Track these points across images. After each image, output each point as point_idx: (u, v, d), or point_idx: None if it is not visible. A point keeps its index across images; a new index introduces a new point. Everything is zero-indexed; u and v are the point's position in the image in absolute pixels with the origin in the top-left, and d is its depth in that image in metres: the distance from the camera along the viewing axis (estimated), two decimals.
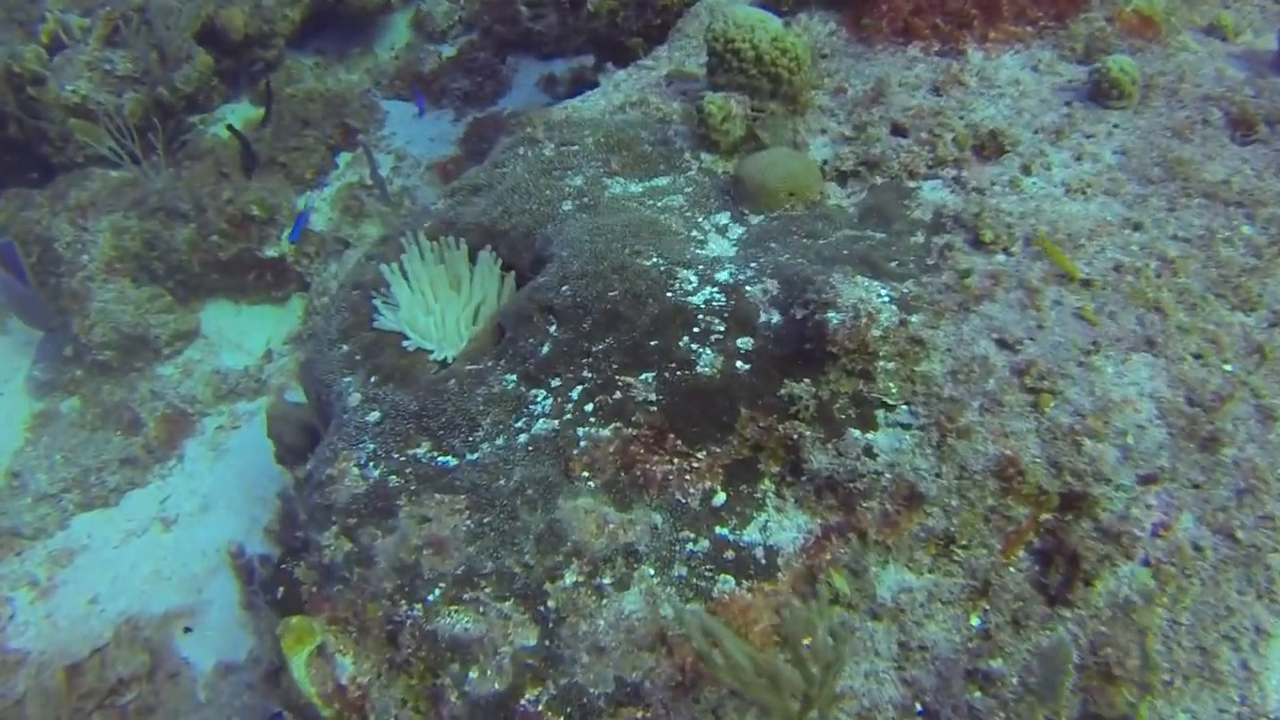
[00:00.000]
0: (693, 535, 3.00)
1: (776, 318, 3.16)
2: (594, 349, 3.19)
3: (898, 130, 3.76)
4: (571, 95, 7.15)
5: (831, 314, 2.96)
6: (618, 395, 3.15)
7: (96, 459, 5.76)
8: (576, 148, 3.96)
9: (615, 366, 3.17)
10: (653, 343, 3.16)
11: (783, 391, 3.08)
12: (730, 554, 2.98)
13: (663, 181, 3.82)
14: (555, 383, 3.21)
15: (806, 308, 3.07)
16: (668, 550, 2.95)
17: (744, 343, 3.15)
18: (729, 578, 2.95)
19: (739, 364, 3.12)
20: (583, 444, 3.11)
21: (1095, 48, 3.94)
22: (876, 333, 3.00)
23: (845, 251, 3.33)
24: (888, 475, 2.98)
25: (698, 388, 3.11)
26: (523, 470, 3.06)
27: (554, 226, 3.59)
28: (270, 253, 6.38)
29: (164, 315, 6.27)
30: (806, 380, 3.07)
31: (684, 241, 3.45)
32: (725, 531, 3.03)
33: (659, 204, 3.67)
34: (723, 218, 3.61)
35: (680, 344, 3.15)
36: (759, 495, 3.11)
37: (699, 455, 3.11)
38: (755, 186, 3.52)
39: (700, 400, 3.12)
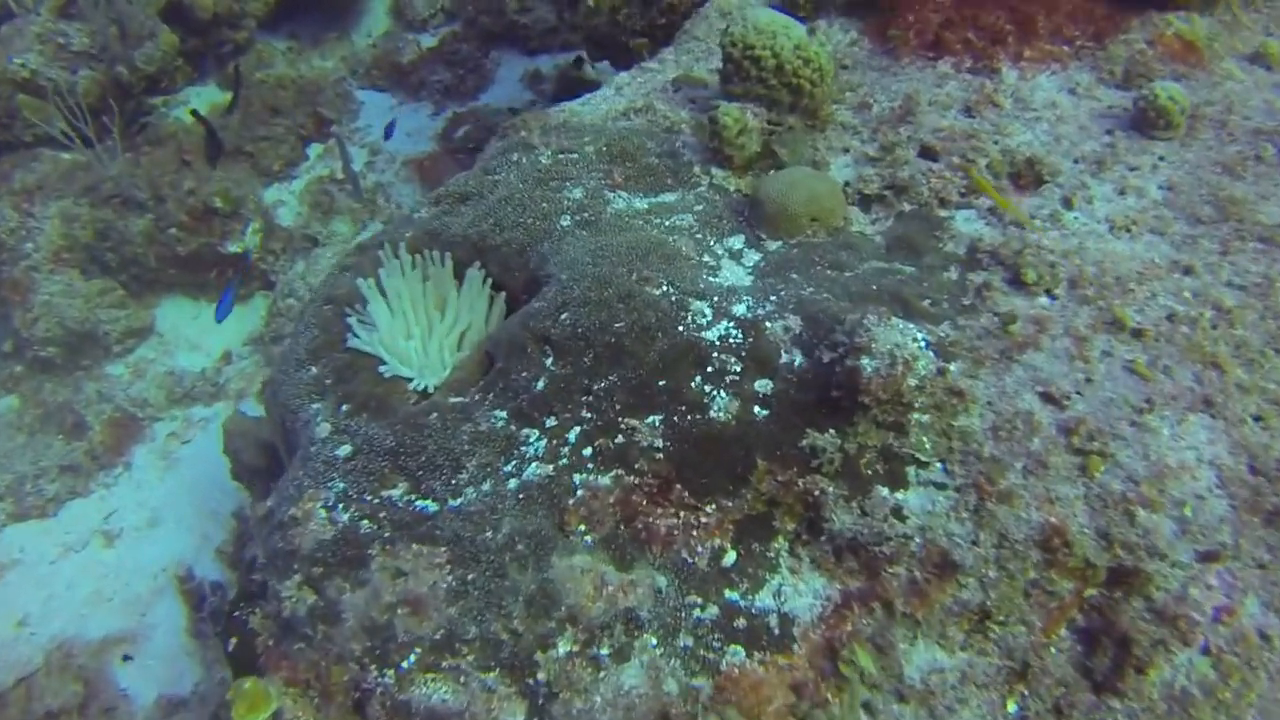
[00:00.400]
0: (700, 600, 2.69)
1: (800, 359, 2.85)
2: (595, 386, 2.86)
3: (927, 153, 3.46)
4: (559, 93, 6.81)
5: (865, 360, 2.66)
6: (620, 439, 2.83)
7: (34, 464, 5.33)
8: (576, 156, 3.62)
9: (618, 407, 2.84)
10: (661, 382, 2.84)
11: (804, 442, 2.77)
12: (741, 622, 2.68)
13: (670, 198, 3.49)
14: (550, 422, 2.88)
15: (835, 350, 2.77)
16: (672, 617, 2.64)
17: (763, 386, 2.83)
18: (739, 649, 2.64)
19: (757, 409, 2.81)
20: (580, 493, 2.78)
21: (1135, 72, 3.67)
22: (912, 382, 2.70)
23: (874, 286, 3.03)
24: (918, 539, 2.69)
25: (710, 435, 2.80)
26: (512, 521, 2.72)
27: (551, 244, 3.25)
28: (233, 248, 5.97)
29: (115, 311, 5.85)
30: (831, 431, 2.77)
31: (695, 267, 3.12)
32: (736, 596, 2.72)
33: (666, 223, 3.34)
34: (737, 241, 3.30)
35: (692, 385, 2.83)
36: (772, 555, 2.81)
37: (707, 509, 2.80)
38: (775, 209, 3.21)
39: (712, 449, 2.80)
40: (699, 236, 3.30)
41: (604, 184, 3.52)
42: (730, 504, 2.81)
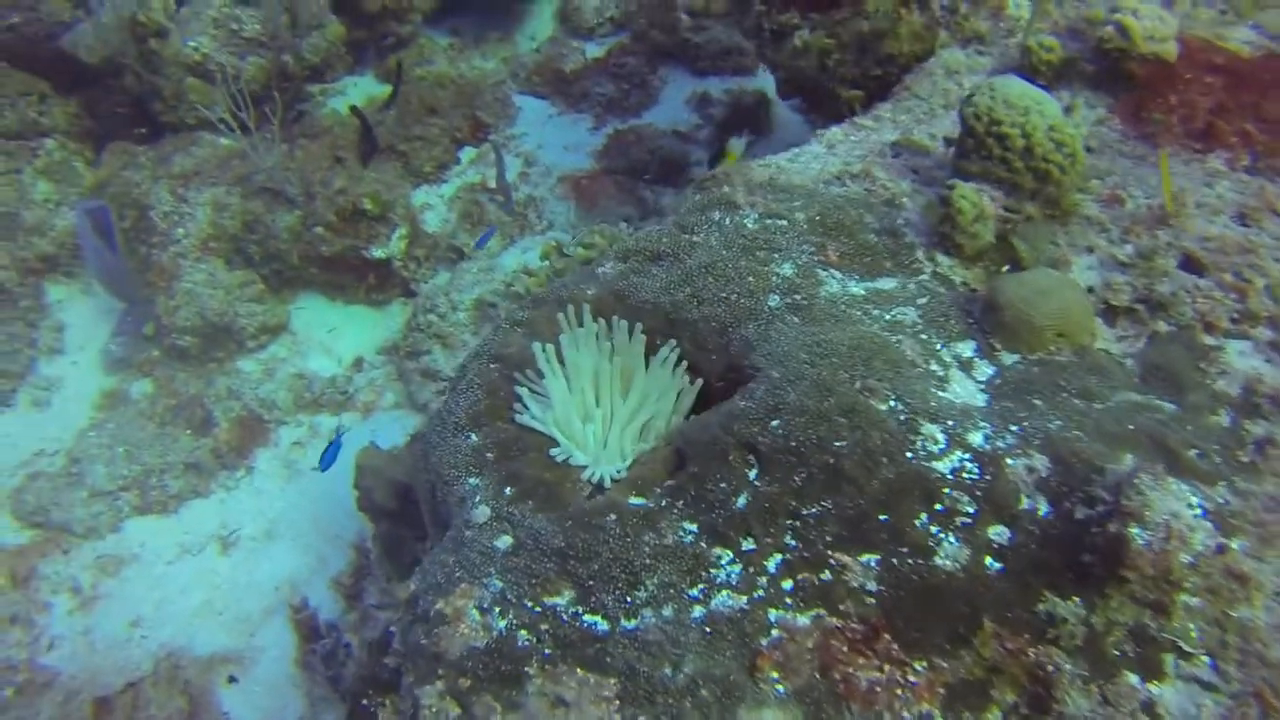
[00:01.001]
0: None
1: (1045, 508, 2.43)
2: (805, 512, 2.48)
3: (1192, 265, 2.98)
4: (728, 122, 6.44)
5: (1136, 530, 2.22)
6: (826, 576, 2.45)
7: (161, 458, 5.20)
8: (785, 223, 3.24)
9: (829, 539, 2.46)
10: (882, 517, 2.44)
11: (1042, 607, 2.35)
12: None
13: (889, 285, 3.09)
14: (748, 546, 2.51)
15: (1092, 508, 2.34)
16: None
17: (998, 534, 2.42)
18: None
19: (989, 561, 2.39)
20: (774, 633, 2.41)
21: None
22: (1185, 558, 2.25)
23: (1130, 427, 2.58)
24: None
25: (933, 585, 2.39)
26: (696, 660, 2.36)
27: (757, 328, 2.88)
28: (377, 253, 5.77)
29: (253, 305, 5.70)
30: (1077, 599, 2.33)
31: (923, 378, 2.72)
32: None
33: (887, 316, 2.94)
34: (966, 348, 2.88)
35: (917, 523, 2.43)
36: None
37: (917, 666, 2.40)
38: (1017, 319, 2.78)
39: (933, 601, 2.40)
40: (924, 338, 2.89)
41: (816, 260, 3.13)
42: (945, 665, 2.40)
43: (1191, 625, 2.31)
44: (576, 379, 2.86)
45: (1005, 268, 3.10)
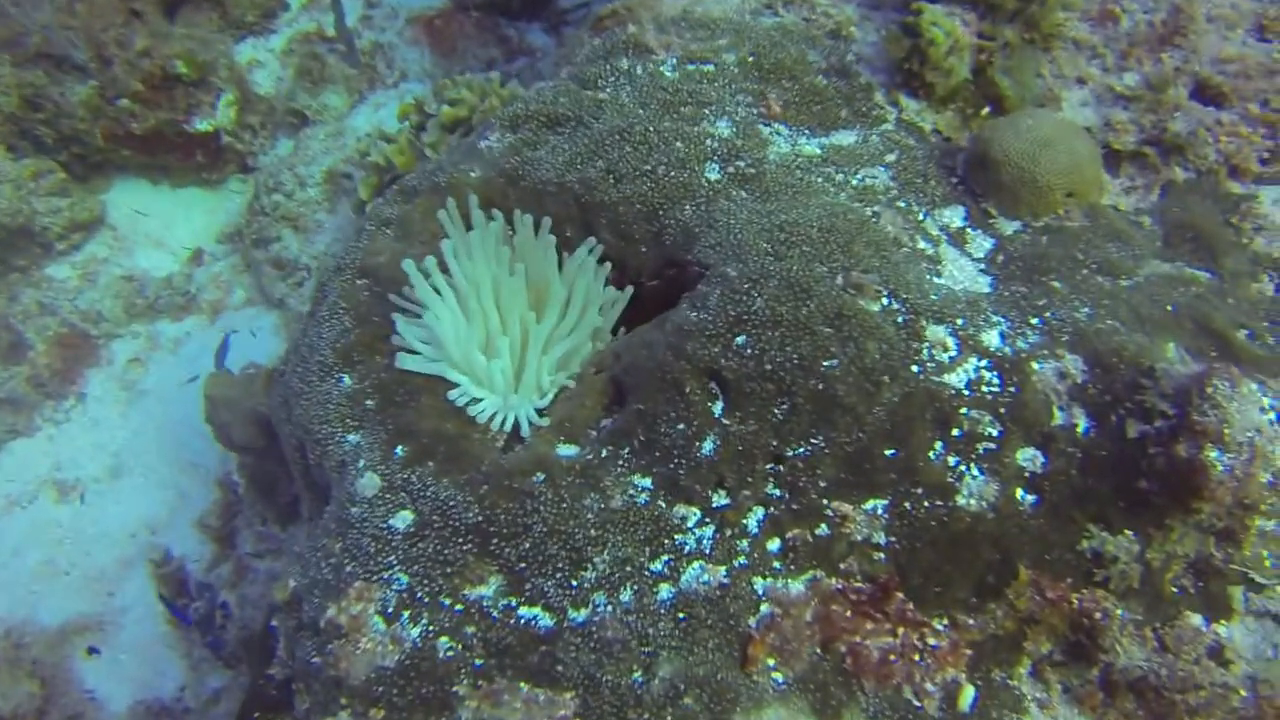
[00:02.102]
0: None
1: (1084, 423, 1.96)
2: (790, 453, 1.95)
3: (1207, 93, 2.47)
4: None
5: (1214, 454, 1.77)
6: (823, 530, 1.94)
7: None
8: (712, 68, 2.57)
9: (823, 485, 1.94)
10: (888, 452, 1.93)
11: (1086, 544, 1.91)
12: None
13: (848, 139, 2.49)
14: (720, 501, 1.98)
15: (1149, 422, 1.87)
16: None
17: (1029, 459, 1.95)
18: None
19: (1021, 494, 1.93)
20: (764, 609, 1.91)
21: None
22: (1265, 478, 1.83)
23: (1169, 308, 2.11)
24: (1245, 693, 1.89)
25: (956, 532, 1.92)
26: (672, 659, 1.86)
27: (696, 208, 2.26)
28: (202, 126, 4.80)
29: (55, 199, 4.71)
30: (1129, 532, 1.90)
31: (911, 261, 2.17)
32: None
33: (854, 181, 2.35)
34: (954, 216, 2.33)
35: (931, 456, 1.94)
36: (1017, 688, 1.99)
37: (936, 625, 1.96)
38: (1017, 178, 2.23)
39: (956, 549, 1.94)
40: (902, 205, 2.32)
41: (756, 113, 2.49)
42: (971, 621, 1.97)
43: (1266, 553, 1.92)
44: (471, 298, 2.19)
45: (985, 110, 2.53)
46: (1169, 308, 2.09)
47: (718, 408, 1.98)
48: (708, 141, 2.36)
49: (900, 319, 2.00)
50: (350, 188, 4.74)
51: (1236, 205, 2.33)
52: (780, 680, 1.91)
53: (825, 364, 1.93)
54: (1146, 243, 2.27)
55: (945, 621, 1.99)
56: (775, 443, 1.95)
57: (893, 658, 1.96)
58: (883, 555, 1.95)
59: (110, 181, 5.02)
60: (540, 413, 2.18)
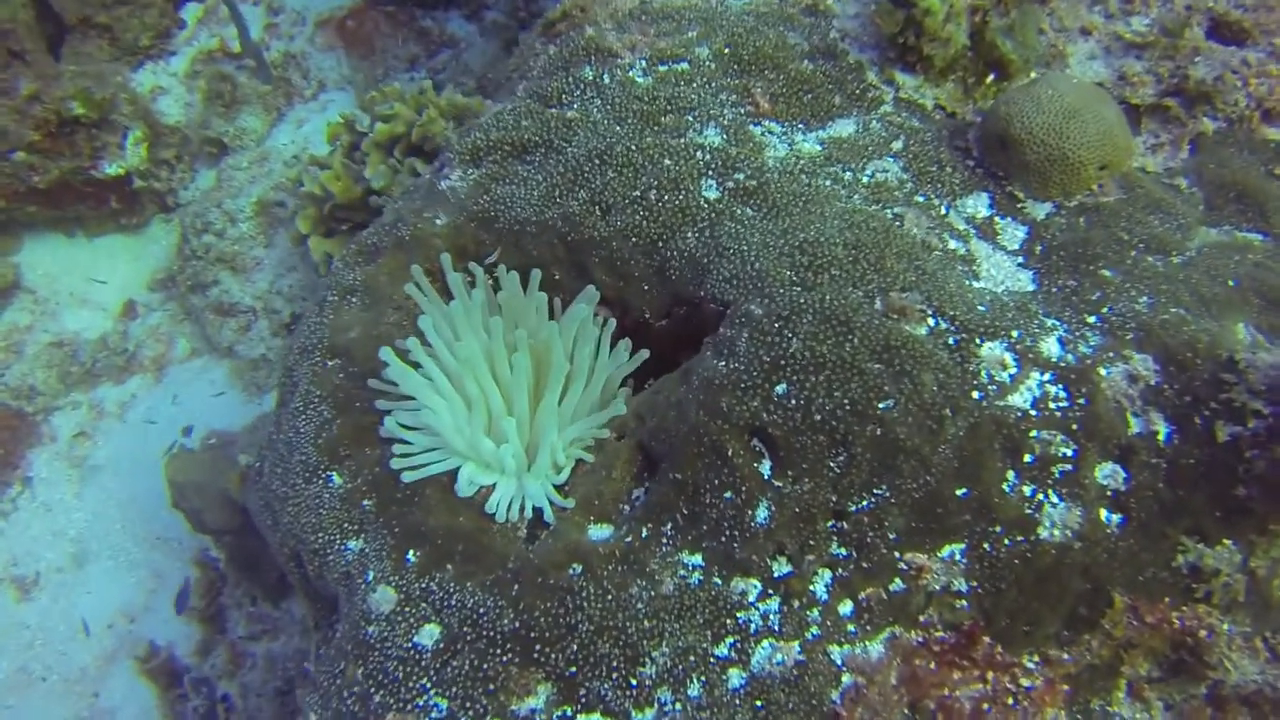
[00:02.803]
0: None
1: (1164, 429, 1.78)
2: (852, 508, 1.75)
3: (1226, 31, 2.28)
4: None
5: None
6: (897, 586, 1.75)
7: None
8: (686, 66, 2.32)
9: (893, 537, 1.75)
10: (960, 491, 1.74)
11: (1182, 559, 1.75)
12: None
13: (847, 129, 2.26)
14: (781, 569, 1.78)
15: (1240, 423, 1.70)
16: None
17: (1110, 476, 1.78)
18: None
19: (1105, 515, 1.76)
20: (845, 680, 1.73)
21: None
22: None
23: (1231, 281, 1.93)
24: None
25: (1042, 567, 1.74)
26: None
27: (699, 235, 2.02)
28: (111, 169, 4.42)
29: None
30: (1229, 541, 1.74)
31: (944, 265, 1.96)
32: None
33: (864, 179, 2.13)
34: (978, 204, 2.12)
35: (1005, 488, 1.75)
36: (1117, 714, 1.84)
37: (1027, 664, 1.79)
38: (1045, 156, 2.03)
39: (1043, 586, 1.76)
40: (921, 200, 2.11)
41: (744, 113, 2.25)
42: (1065, 656, 1.80)
43: None
44: (467, 379, 1.94)
45: (989, 77, 2.32)
46: (1230, 282, 1.92)
47: (765, 467, 1.77)
48: (698, 154, 2.12)
49: (952, 340, 1.80)
50: (284, 216, 4.41)
51: (1277, 153, 2.15)
52: None
53: (881, 406, 1.72)
54: (1189, 209, 2.08)
55: (1037, 659, 1.82)
56: (835, 498, 1.75)
57: (985, 706, 1.80)
58: (965, 602, 1.77)
59: (19, 242, 4.64)
60: (559, 489, 1.95)
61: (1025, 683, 1.81)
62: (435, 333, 1.93)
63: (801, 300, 1.82)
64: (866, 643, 1.77)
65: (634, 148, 2.13)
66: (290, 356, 2.17)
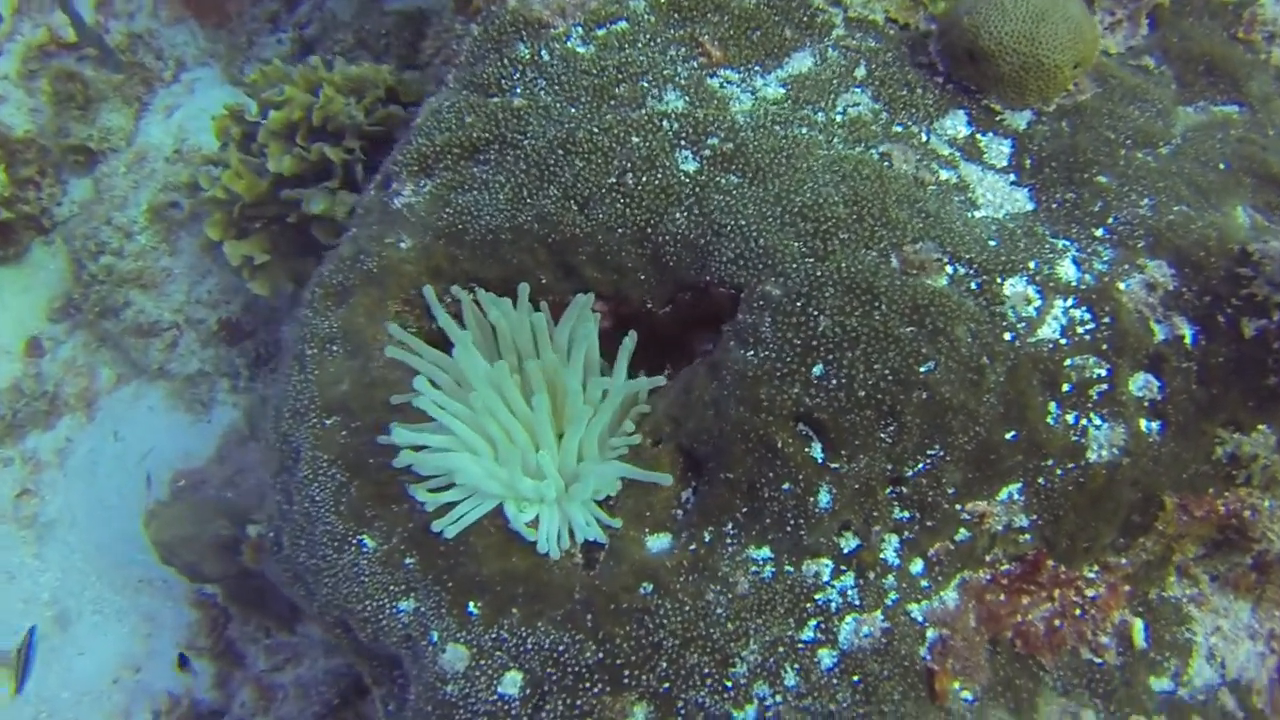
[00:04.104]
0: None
1: (1189, 332, 1.81)
2: (909, 472, 1.75)
3: None
4: None
5: None
6: (963, 535, 1.78)
7: None
8: (625, 25, 2.17)
9: (952, 491, 1.76)
10: (1009, 435, 1.76)
11: (1219, 451, 1.81)
12: None
13: (805, 63, 2.16)
14: (849, 544, 1.78)
15: (1265, 315, 1.74)
16: None
17: (1144, 387, 1.81)
18: None
19: (1145, 425, 1.80)
20: (930, 635, 1.77)
21: None
22: None
23: (1222, 164, 1.94)
24: None
25: (1096, 489, 1.79)
26: None
27: (688, 214, 1.93)
28: None
29: None
30: (1263, 426, 1.81)
31: (940, 199, 1.92)
32: (1169, 685, 1.88)
33: (838, 118, 2.05)
34: (956, 124, 2.07)
35: (1048, 423, 1.77)
36: (1174, 598, 1.95)
37: (1088, 574, 1.86)
38: (1020, 65, 1.97)
39: (1098, 503, 1.81)
40: (899, 130, 2.04)
41: (699, 68, 2.13)
42: (1123, 560, 1.88)
43: None
44: (489, 424, 1.85)
45: None
46: (1221, 166, 1.92)
47: (817, 451, 1.74)
48: (664, 124, 2.00)
49: (974, 284, 1.78)
50: (181, 218, 4.12)
51: (1238, 15, 2.13)
52: (970, 698, 1.79)
53: (922, 369, 1.70)
54: (1163, 91, 2.07)
55: (1096, 568, 1.89)
56: (891, 467, 1.74)
57: (1058, 623, 1.87)
58: (1028, 536, 1.81)
59: None
60: (601, 504, 1.90)
61: (1090, 593, 1.88)
62: (427, 382, 1.83)
63: (818, 273, 1.77)
64: (941, 593, 1.81)
65: (596, 130, 2.00)
66: (282, 421, 2.04)
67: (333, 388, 2.00)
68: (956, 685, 1.78)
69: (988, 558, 1.82)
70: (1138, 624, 1.90)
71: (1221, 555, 1.96)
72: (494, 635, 1.82)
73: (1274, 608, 1.97)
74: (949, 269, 1.78)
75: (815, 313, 1.74)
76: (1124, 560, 1.89)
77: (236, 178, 3.41)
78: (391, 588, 1.90)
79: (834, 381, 1.71)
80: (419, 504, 1.89)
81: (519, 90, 2.12)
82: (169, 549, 2.87)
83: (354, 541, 1.93)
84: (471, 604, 1.85)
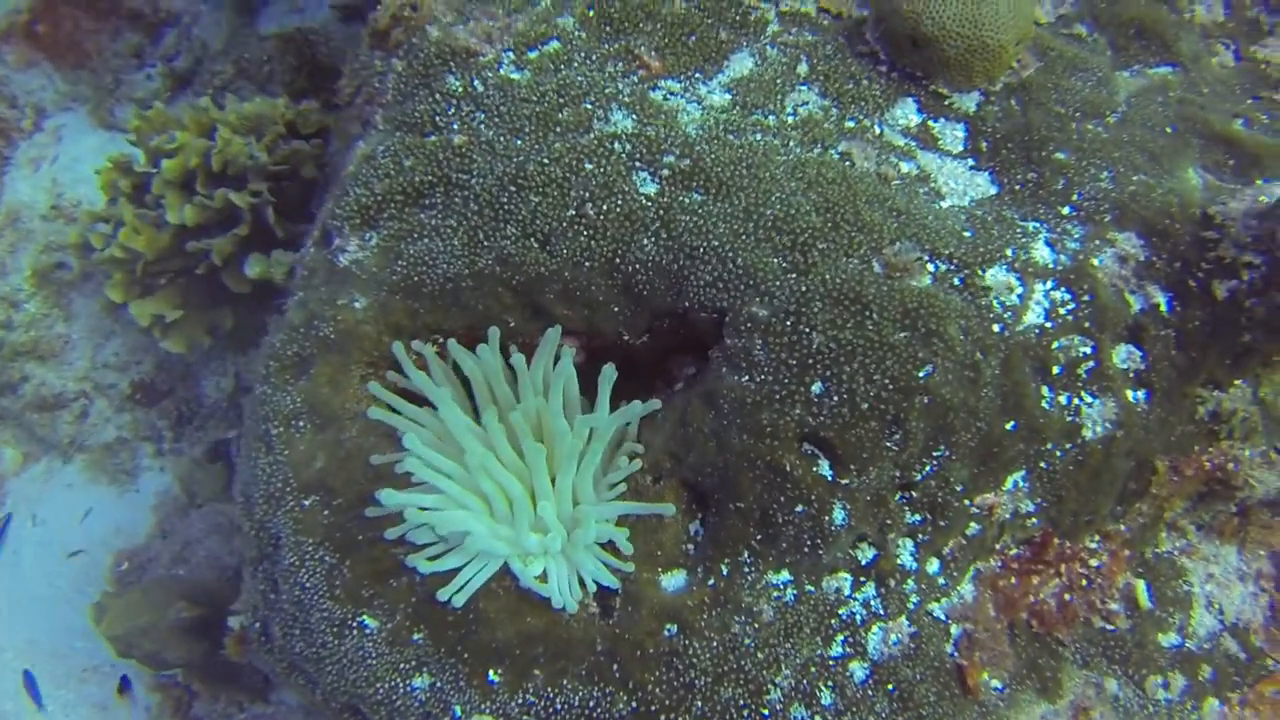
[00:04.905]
0: (1160, 678, 1.89)
1: (1164, 299, 1.85)
2: (917, 477, 1.75)
3: None
4: None
5: None
6: (974, 529, 1.80)
7: None
8: (557, 45, 2.08)
9: (960, 489, 1.77)
10: (1009, 425, 1.77)
11: (1202, 410, 1.87)
12: (1206, 671, 1.94)
13: (746, 65, 2.11)
14: (866, 555, 1.78)
15: (1234, 276, 1.78)
16: None
17: (1127, 357, 1.85)
18: (1213, 701, 1.92)
19: (1132, 395, 1.84)
20: (954, 631, 1.78)
21: None
22: None
23: (1169, 128, 1.97)
24: None
25: (1095, 465, 1.82)
26: None
27: (655, 240, 1.87)
28: None
29: None
30: (1239, 382, 1.87)
31: (906, 192, 1.91)
32: (1177, 640, 1.95)
33: (789, 118, 2.02)
34: (906, 112, 2.05)
35: (1044, 408, 1.79)
36: (1167, 552, 2.01)
37: (1091, 544, 1.91)
38: (965, 48, 1.96)
39: (1098, 478, 1.85)
40: (851, 125, 2.02)
41: (640, 82, 2.06)
42: (1121, 528, 1.92)
43: None
44: (484, 480, 1.77)
45: None
46: (1168, 129, 1.96)
47: (825, 469, 1.72)
48: (616, 146, 1.93)
49: (957, 280, 1.77)
50: (71, 279, 3.86)
51: None
52: (1000, 686, 1.81)
53: (921, 375, 1.69)
54: (1099, 58, 2.09)
55: (1098, 539, 1.93)
56: (899, 474, 1.74)
57: (1068, 596, 1.90)
58: (1035, 520, 1.83)
59: None
60: (606, 548, 1.85)
61: (1094, 563, 1.92)
62: (420, 448, 1.74)
63: (803, 288, 1.74)
64: (959, 588, 1.82)
65: (547, 160, 1.92)
66: (255, 508, 1.92)
67: (307, 466, 1.89)
68: (986, 676, 1.79)
69: (998, 546, 1.84)
70: (1141, 585, 1.95)
71: (1205, 506, 2.02)
72: (520, 701, 1.76)
73: (1258, 547, 2.05)
74: (930, 267, 1.77)
75: (807, 330, 1.71)
76: (1123, 527, 1.93)
77: (135, 234, 3.20)
78: (402, 666, 1.82)
79: (835, 398, 1.69)
80: (419, 575, 1.80)
81: (456, 126, 2.01)
82: (126, 642, 2.69)
83: (355, 624, 1.84)
84: (491, 672, 1.78)
